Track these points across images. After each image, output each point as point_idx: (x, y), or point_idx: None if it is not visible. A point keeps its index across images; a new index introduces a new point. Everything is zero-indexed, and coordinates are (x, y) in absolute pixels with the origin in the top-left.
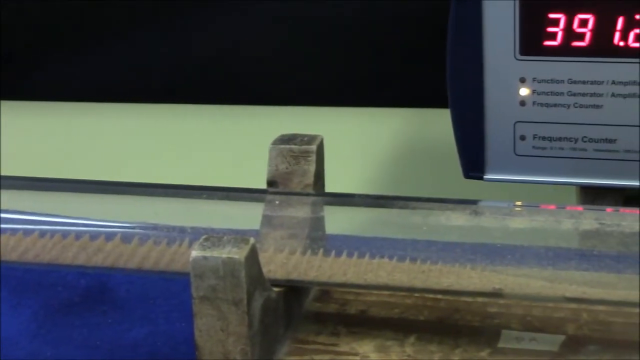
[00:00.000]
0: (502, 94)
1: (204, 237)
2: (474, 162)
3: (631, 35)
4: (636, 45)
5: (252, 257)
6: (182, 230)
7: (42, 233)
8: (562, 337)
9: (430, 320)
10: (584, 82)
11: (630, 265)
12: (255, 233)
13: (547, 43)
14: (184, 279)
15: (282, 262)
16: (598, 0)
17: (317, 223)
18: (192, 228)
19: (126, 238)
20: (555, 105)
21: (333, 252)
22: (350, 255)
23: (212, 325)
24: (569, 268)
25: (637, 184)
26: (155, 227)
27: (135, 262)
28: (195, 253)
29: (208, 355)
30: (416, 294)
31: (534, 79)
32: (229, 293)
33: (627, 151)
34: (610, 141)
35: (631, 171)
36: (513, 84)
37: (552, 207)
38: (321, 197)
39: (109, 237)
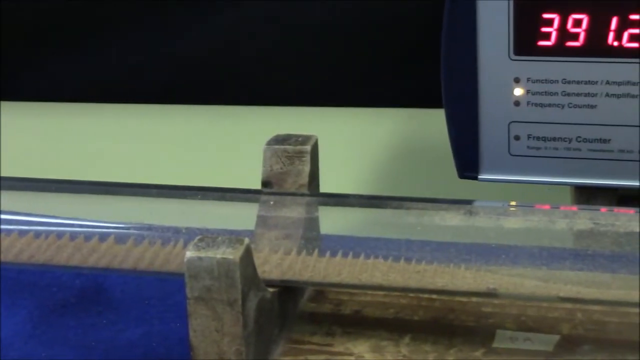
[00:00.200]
0: (496, 94)
1: (198, 237)
2: (468, 162)
3: (625, 35)
4: (630, 45)
5: (247, 257)
6: (176, 230)
7: (37, 234)
8: (556, 337)
9: (425, 320)
10: (578, 82)
11: (624, 264)
12: (250, 233)
13: (541, 43)
14: (178, 279)
15: (277, 262)
16: (592, 0)
17: (312, 223)
18: (186, 228)
19: (121, 239)
20: (549, 105)
21: (328, 253)
22: (344, 255)
23: (206, 325)
24: (563, 268)
25: (632, 183)
26: (150, 228)
27: (130, 262)
28: (189, 253)
29: (203, 355)
30: (411, 294)
31: (528, 79)
32: (224, 293)
33: (621, 151)
34: (605, 141)
35: (625, 171)
36: (507, 84)
37: (547, 207)
38: (316, 198)
39: (104, 237)
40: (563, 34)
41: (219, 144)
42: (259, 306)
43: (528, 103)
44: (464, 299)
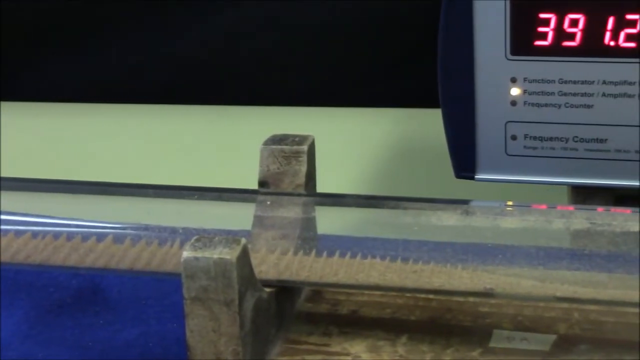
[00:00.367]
0: (493, 94)
1: (195, 237)
2: (465, 162)
3: (622, 35)
4: (626, 45)
5: (244, 257)
6: (173, 230)
7: (34, 234)
8: (553, 337)
9: (422, 320)
10: (574, 82)
11: (621, 264)
12: (247, 233)
13: (538, 43)
14: (175, 279)
15: (274, 262)
16: (588, 0)
17: (309, 223)
18: (183, 229)
19: (118, 239)
20: (546, 105)
21: (324, 253)
22: (341, 255)
23: (203, 325)
24: (560, 267)
25: (628, 183)
26: (146, 228)
27: (127, 262)
28: (186, 254)
29: (200, 355)
30: (408, 294)
31: (524, 79)
32: (221, 294)
33: (618, 151)
34: (601, 141)
35: (622, 171)
36: (504, 84)
37: (543, 206)
38: (312, 198)
39: (101, 237)
40: (560, 33)
41: (216, 144)
42: (256, 306)
43: (525, 103)
44: (461, 299)
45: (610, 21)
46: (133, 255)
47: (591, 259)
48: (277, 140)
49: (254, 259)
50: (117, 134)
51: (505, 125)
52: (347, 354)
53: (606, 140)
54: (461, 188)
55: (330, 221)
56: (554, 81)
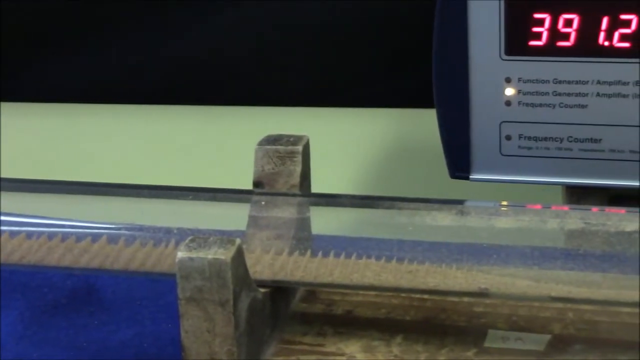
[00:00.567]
0: (487, 94)
1: (190, 238)
2: (460, 162)
3: (616, 35)
4: (621, 45)
5: (239, 257)
6: (168, 231)
7: (28, 235)
8: (548, 337)
9: (417, 320)
10: (569, 82)
11: (615, 264)
12: (242, 234)
13: (532, 43)
14: (170, 280)
15: (269, 262)
16: (583, 0)
17: (303, 223)
18: (178, 229)
19: (112, 239)
20: (540, 105)
21: (319, 253)
22: (336, 255)
23: (198, 326)
24: (555, 267)
25: (623, 183)
26: (141, 228)
27: (122, 263)
28: (181, 254)
29: (194, 356)
30: (402, 294)
31: (519, 79)
32: (215, 294)
33: (612, 150)
34: (596, 141)
35: (616, 170)
36: (498, 84)
37: (538, 206)
38: (307, 198)
39: (95, 238)
40: (554, 33)
41: (211, 144)
42: (251, 306)
43: (519, 103)
44: (456, 299)
45: (605, 21)
46: (128, 255)
47: (586, 258)
48: (272, 140)
49: (249, 259)
50: (112, 134)
51: (499, 126)
52: (342, 354)
53: (600, 140)
54: (456, 188)
55: (324, 221)
56: (548, 81)
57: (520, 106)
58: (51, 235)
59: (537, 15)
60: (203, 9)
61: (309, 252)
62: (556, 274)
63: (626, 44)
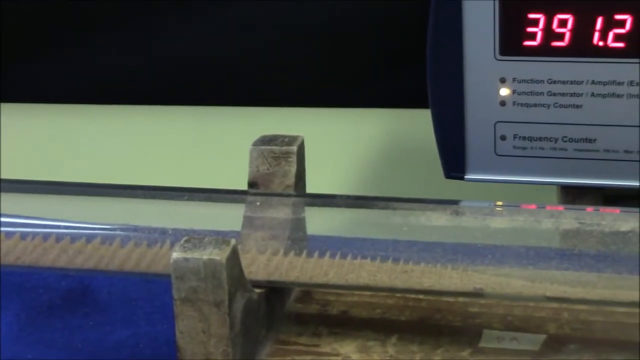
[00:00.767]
0: (482, 94)
1: (185, 238)
2: (454, 163)
3: (610, 35)
4: (615, 45)
5: (233, 258)
6: (163, 231)
7: (23, 235)
8: (543, 337)
9: (412, 320)
10: (563, 82)
11: (610, 264)
12: (237, 234)
13: (527, 43)
14: (165, 280)
15: (264, 263)
16: (577, 0)
17: (298, 224)
18: (173, 229)
19: (107, 240)
20: (535, 105)
21: (314, 253)
22: (331, 256)
23: (193, 326)
24: (550, 267)
25: (617, 183)
26: (136, 229)
27: (117, 264)
28: (176, 254)
29: (190, 356)
30: (398, 294)
31: (514, 79)
32: (210, 294)
33: (607, 150)
34: (590, 141)
35: (611, 170)
36: (493, 84)
37: (533, 206)
38: (302, 198)
39: (90, 239)
40: (548, 34)
41: (205, 144)
42: (246, 307)
43: (514, 103)
44: (451, 299)
45: (599, 21)
46: (122, 256)
47: (580, 258)
48: (267, 140)
49: (244, 260)
50: (107, 134)
51: (494, 126)
52: (337, 355)
53: (595, 140)
54: (451, 188)
55: (319, 222)
56: (543, 81)
57: (515, 106)
58: (46, 236)
59: (531, 16)
60: (198, 10)
61: (304, 253)
62: (551, 274)
63: (621, 44)
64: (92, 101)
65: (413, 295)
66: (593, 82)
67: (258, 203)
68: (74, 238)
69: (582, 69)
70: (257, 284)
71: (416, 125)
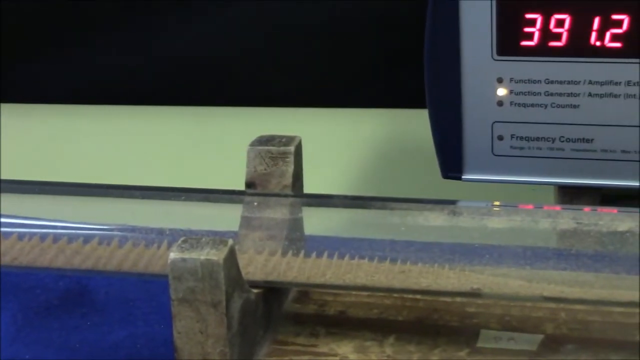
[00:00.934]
0: (479, 94)
1: (182, 238)
2: (452, 163)
3: (607, 35)
4: (612, 45)
5: (231, 258)
6: (160, 232)
7: (20, 236)
8: (540, 337)
9: (409, 320)
10: (560, 82)
11: (607, 264)
12: (234, 234)
13: (524, 43)
14: (163, 281)
15: (261, 263)
16: (574, 0)
17: (296, 224)
18: (170, 230)
19: (104, 240)
20: (532, 105)
21: (312, 253)
22: (329, 256)
23: (191, 327)
24: (547, 267)
25: (615, 183)
26: (133, 229)
27: (114, 264)
28: (173, 255)
29: (187, 356)
30: (395, 295)
31: (511, 79)
32: (208, 295)
33: (604, 150)
34: (588, 141)
35: (608, 170)
36: (490, 84)
37: (530, 206)
38: (299, 198)
39: (88, 239)
40: (546, 34)
41: (203, 145)
42: (243, 307)
43: (511, 103)
44: (448, 299)
45: (596, 21)
46: (120, 256)
47: (578, 258)
48: (264, 141)
49: (241, 260)
50: (106, 135)
51: (492, 126)
52: (335, 355)
53: (592, 140)
54: (448, 188)
55: (317, 222)
56: (540, 81)
57: (513, 106)
58: (43, 237)
59: (528, 16)
60: (195, 11)
61: (301, 253)
62: (548, 274)
63: (618, 44)
64: (91, 101)
65: (410, 296)
66: (590, 82)
67: (255, 203)
68: (71, 238)
69: (580, 69)
70: (254, 284)
71: (414, 125)
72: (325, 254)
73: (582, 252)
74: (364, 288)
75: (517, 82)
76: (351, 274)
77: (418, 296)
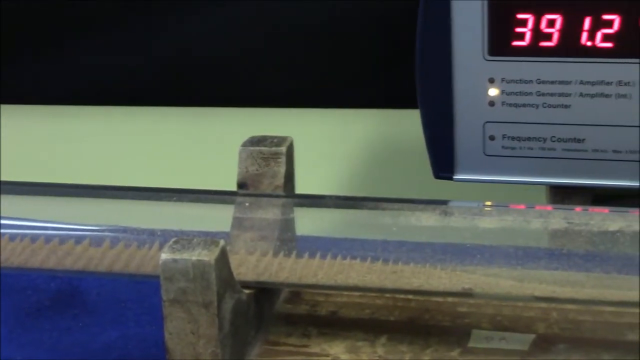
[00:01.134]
0: (471, 94)
1: (173, 239)
2: (443, 163)
3: (598, 35)
4: (603, 45)
5: (222, 259)
6: (152, 233)
7: (11, 237)
8: (532, 336)
9: (401, 320)
10: (552, 82)
11: (598, 264)
12: (226, 235)
13: (516, 43)
14: (154, 281)
15: (253, 264)
16: (565, 0)
17: (288, 225)
18: (162, 231)
19: (96, 241)
20: (524, 105)
21: (303, 254)
22: (321, 256)
23: (182, 327)
24: (538, 267)
25: (606, 183)
26: (125, 230)
27: (106, 265)
28: (165, 256)
29: (179, 357)
30: (387, 295)
31: (502, 79)
32: (199, 295)
33: (596, 150)
34: (579, 141)
35: (600, 170)
36: (482, 85)
37: (522, 206)
38: (291, 199)
39: (79, 240)
40: (537, 34)
41: (195, 145)
42: (235, 308)
43: (503, 103)
44: (440, 299)
45: (587, 21)
46: (112, 257)
47: (569, 258)
48: (256, 141)
49: (233, 261)
50: (88, 136)
51: (483, 126)
52: (327, 355)
53: (584, 140)
54: (440, 188)
55: (309, 222)
56: (531, 81)
57: (504, 106)
58: (34, 238)
59: (520, 16)
60: (187, 11)
61: (293, 254)
62: (540, 274)
63: (609, 44)
64: (89, 102)
65: (402, 296)
66: (582, 82)
67: (247, 204)
68: (62, 239)
69: (571, 69)
70: (246, 285)
71: (405, 125)
72: (317, 255)
73: (574, 251)
74: (355, 288)
75: (508, 82)
76: (343, 274)
77: (410, 296)
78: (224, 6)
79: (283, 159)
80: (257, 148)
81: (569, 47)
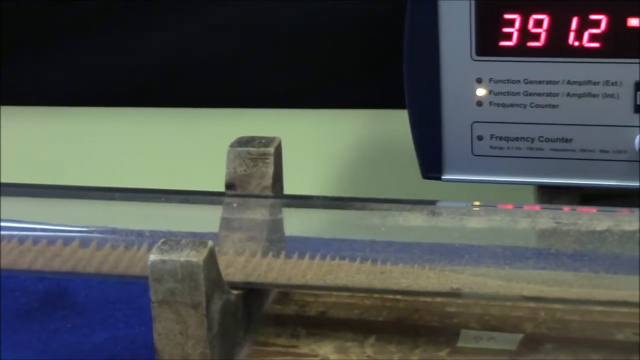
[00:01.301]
0: (459, 94)
1: (162, 240)
2: (431, 163)
3: (585, 35)
4: (590, 45)
5: (211, 260)
6: (140, 234)
7: None
8: (520, 336)
9: (390, 320)
10: (539, 82)
11: (586, 263)
12: (214, 236)
13: (503, 43)
14: (143, 282)
15: (241, 264)
16: (553, 0)
17: (276, 225)
18: (150, 232)
19: (84, 242)
20: (511, 105)
21: (292, 254)
22: (309, 257)
23: (171, 328)
24: (526, 267)
25: (594, 182)
26: (113, 231)
27: (94, 266)
28: (153, 257)
29: (168, 358)
30: (375, 295)
31: (490, 80)
32: (188, 296)
33: (583, 150)
34: (566, 140)
35: (587, 170)
36: (470, 85)
37: (509, 206)
38: (279, 199)
39: (67, 241)
40: (524, 34)
41: (183, 146)
42: (224, 309)
43: (490, 103)
44: (428, 299)
45: (574, 21)
46: (100, 258)
47: (557, 258)
48: (244, 142)
49: (221, 261)
50: (79, 136)
51: (471, 126)
52: (316, 355)
53: (571, 139)
54: (428, 188)
55: (297, 223)
56: (519, 81)
57: (492, 106)
58: (22, 239)
59: (507, 16)
60: (176, 11)
61: (282, 254)
62: (528, 274)
63: (596, 44)
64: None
65: (391, 296)
66: (569, 82)
67: (235, 205)
68: (51, 241)
69: (558, 69)
70: (234, 286)
71: (393, 125)
72: (306, 255)
73: (561, 251)
74: (344, 289)
75: (496, 83)
76: (332, 274)
77: (398, 296)
78: (213, 7)
79: (271, 160)
80: (245, 149)
81: (556, 47)
